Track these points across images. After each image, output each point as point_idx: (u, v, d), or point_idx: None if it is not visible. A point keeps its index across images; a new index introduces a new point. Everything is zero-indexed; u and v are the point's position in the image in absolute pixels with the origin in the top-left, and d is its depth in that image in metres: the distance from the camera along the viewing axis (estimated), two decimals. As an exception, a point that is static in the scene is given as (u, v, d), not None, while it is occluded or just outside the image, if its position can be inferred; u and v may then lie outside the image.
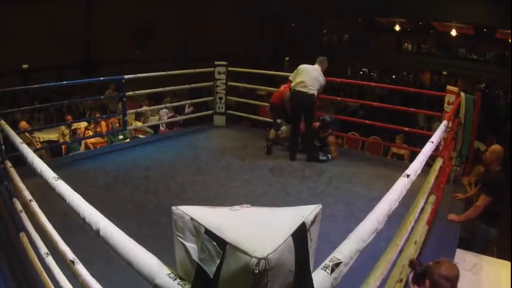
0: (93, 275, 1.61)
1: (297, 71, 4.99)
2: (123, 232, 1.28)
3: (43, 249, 2.29)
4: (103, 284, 1.55)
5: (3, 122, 3.43)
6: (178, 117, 7.77)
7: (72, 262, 1.67)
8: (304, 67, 4.98)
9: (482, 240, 3.69)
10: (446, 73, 17.21)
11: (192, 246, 1.01)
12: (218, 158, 5.14)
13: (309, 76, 4.89)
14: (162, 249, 1.24)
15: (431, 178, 2.66)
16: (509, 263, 3.15)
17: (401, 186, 1.75)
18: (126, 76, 5.32)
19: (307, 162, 5.03)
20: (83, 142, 6.44)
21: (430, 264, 2.10)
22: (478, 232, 3.72)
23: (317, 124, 5.30)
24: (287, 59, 18.11)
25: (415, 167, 2.03)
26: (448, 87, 4.72)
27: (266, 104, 7.87)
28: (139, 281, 1.12)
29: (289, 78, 5.08)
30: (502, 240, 3.86)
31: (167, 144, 5.74)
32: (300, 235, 0.97)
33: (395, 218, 1.69)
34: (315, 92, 4.90)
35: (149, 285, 1.08)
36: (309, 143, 5.15)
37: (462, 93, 4.49)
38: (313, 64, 5.06)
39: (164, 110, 8.18)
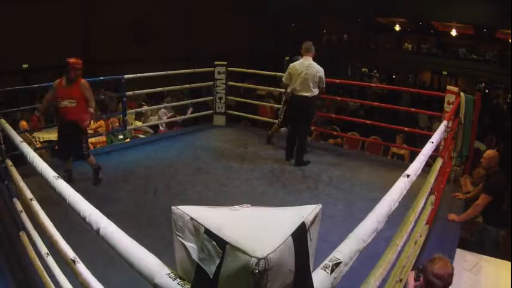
0: (93, 275, 1.61)
1: (290, 74, 4.71)
2: (123, 232, 1.28)
3: (43, 248, 2.29)
4: (103, 284, 1.55)
5: (3, 120, 3.43)
6: (178, 117, 7.77)
7: (73, 261, 1.67)
8: (296, 68, 4.65)
9: (493, 243, 3.68)
10: (446, 73, 17.21)
11: (191, 246, 1.01)
12: (218, 158, 5.14)
13: (307, 76, 4.57)
14: (162, 249, 1.24)
15: (431, 178, 2.66)
16: (509, 263, 3.15)
17: (401, 186, 1.75)
18: (126, 76, 5.33)
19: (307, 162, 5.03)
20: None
21: (426, 261, 2.13)
22: (488, 235, 3.71)
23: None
24: (287, 58, 18.09)
25: (415, 167, 2.03)
26: (448, 87, 4.72)
27: (266, 104, 7.91)
28: (139, 281, 1.12)
29: (283, 80, 4.83)
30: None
31: (167, 144, 5.74)
32: (300, 235, 0.97)
33: (395, 218, 1.69)
34: (316, 92, 4.67)
35: (149, 285, 1.08)
36: (302, 148, 4.95)
37: (462, 93, 4.50)
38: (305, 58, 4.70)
39: (162, 110, 8.17)
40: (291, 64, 4.77)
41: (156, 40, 13.68)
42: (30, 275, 2.66)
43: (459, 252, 3.27)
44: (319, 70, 4.64)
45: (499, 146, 7.75)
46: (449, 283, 2.07)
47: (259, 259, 0.83)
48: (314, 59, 4.73)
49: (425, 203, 2.62)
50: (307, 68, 4.61)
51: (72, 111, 3.96)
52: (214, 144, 5.72)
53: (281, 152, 5.35)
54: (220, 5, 14.32)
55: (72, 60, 4.02)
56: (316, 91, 4.68)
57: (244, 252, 0.85)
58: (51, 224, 2.06)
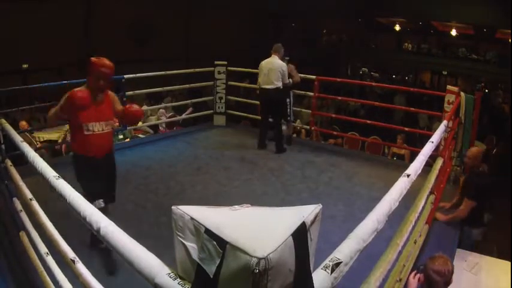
0: (93, 275, 1.61)
1: (259, 71, 5.24)
2: (123, 231, 1.28)
3: (43, 248, 2.29)
4: (103, 284, 1.55)
5: (3, 120, 3.44)
6: (178, 117, 7.76)
7: (73, 261, 1.67)
8: (262, 65, 5.19)
9: (468, 241, 3.68)
10: (446, 73, 17.21)
11: (192, 246, 1.01)
12: (218, 158, 5.14)
13: (270, 71, 5.08)
14: (162, 249, 1.24)
15: (432, 178, 2.66)
16: (509, 263, 3.15)
17: (401, 186, 1.75)
18: (126, 76, 5.33)
19: (307, 162, 5.05)
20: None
21: (427, 259, 2.14)
22: (463, 233, 3.71)
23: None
24: (287, 58, 18.08)
25: (415, 166, 2.02)
26: (448, 87, 4.72)
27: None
28: (140, 281, 1.12)
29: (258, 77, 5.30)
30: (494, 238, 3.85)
31: (167, 144, 5.74)
32: (300, 235, 0.97)
33: (395, 218, 1.69)
34: (280, 85, 5.10)
35: (149, 285, 1.08)
36: (278, 136, 5.40)
37: (462, 93, 4.49)
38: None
39: (161, 110, 8.16)
40: (261, 62, 5.26)
41: (156, 40, 13.67)
42: (30, 275, 2.66)
43: (459, 252, 3.27)
44: (281, 65, 5.14)
45: (498, 146, 7.75)
46: (449, 281, 2.07)
47: (259, 259, 0.83)
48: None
49: (425, 203, 2.62)
50: (271, 63, 5.15)
51: (108, 139, 2.78)
52: (214, 144, 5.72)
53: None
54: (220, 5, 14.31)
55: (101, 61, 2.68)
56: (279, 84, 5.11)
57: (244, 252, 0.85)
58: (51, 224, 2.06)
